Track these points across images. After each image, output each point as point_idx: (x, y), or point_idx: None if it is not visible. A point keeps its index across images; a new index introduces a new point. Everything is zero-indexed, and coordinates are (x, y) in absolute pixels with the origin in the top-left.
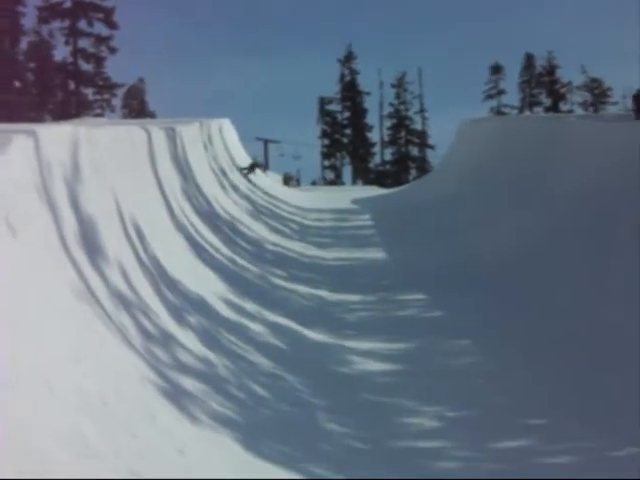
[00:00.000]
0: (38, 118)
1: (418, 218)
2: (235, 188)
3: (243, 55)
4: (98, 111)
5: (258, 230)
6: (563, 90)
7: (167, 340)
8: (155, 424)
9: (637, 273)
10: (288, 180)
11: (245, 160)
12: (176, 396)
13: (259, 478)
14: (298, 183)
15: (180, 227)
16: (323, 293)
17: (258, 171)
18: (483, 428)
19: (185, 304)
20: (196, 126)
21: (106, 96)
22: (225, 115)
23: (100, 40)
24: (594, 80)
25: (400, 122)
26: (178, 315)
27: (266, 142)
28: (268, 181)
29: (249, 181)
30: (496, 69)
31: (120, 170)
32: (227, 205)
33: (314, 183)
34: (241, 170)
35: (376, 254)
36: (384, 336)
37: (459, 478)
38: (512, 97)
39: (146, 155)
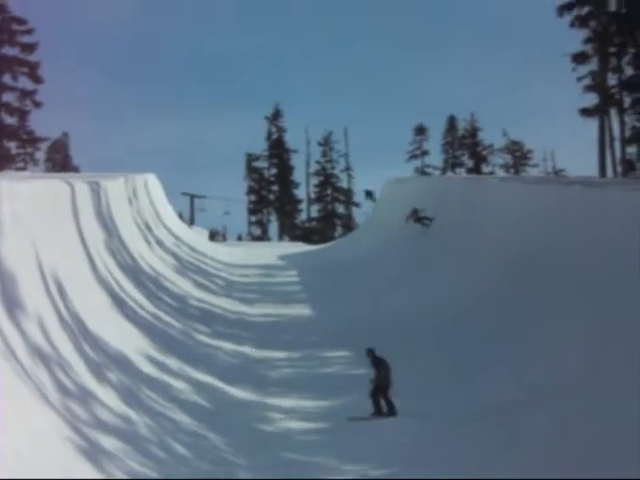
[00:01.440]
0: None
1: (343, 275)
2: (160, 243)
3: (169, 110)
4: (21, 165)
5: (183, 285)
6: (485, 152)
7: (86, 397)
8: None
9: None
10: (214, 235)
11: (170, 215)
12: (94, 454)
13: (259, 478)
14: (224, 238)
15: (103, 282)
16: (247, 350)
17: (183, 226)
18: None
19: (106, 360)
20: (121, 181)
21: (29, 150)
22: (151, 170)
23: (24, 94)
24: (515, 143)
25: (326, 180)
26: (98, 372)
27: (192, 197)
28: (194, 236)
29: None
30: (420, 130)
31: (42, 224)
32: (152, 260)
33: (240, 238)
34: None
35: (302, 310)
36: (308, 394)
37: (459, 478)
38: (435, 158)
39: (69, 209)
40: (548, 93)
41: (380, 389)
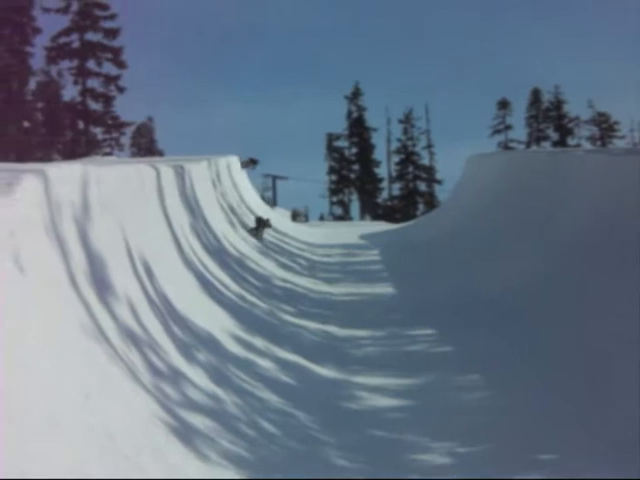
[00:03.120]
0: (47, 157)
1: (426, 253)
2: (243, 225)
3: (250, 93)
4: (107, 150)
5: (267, 266)
6: (570, 125)
7: (176, 377)
8: (163, 461)
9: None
10: (296, 216)
11: (253, 196)
12: (185, 433)
13: (259, 478)
14: (306, 219)
15: (189, 264)
16: (332, 328)
17: (266, 207)
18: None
19: (194, 341)
20: (204, 164)
21: (115, 135)
22: (233, 152)
23: (109, 80)
24: (601, 114)
25: (408, 157)
26: (187, 352)
27: (274, 178)
28: (276, 217)
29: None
30: (503, 104)
31: (129, 208)
32: (236, 241)
33: (322, 218)
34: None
35: (384, 289)
36: (393, 371)
37: (459, 478)
38: (519, 132)
39: (155, 193)
40: (634, 63)
41: None
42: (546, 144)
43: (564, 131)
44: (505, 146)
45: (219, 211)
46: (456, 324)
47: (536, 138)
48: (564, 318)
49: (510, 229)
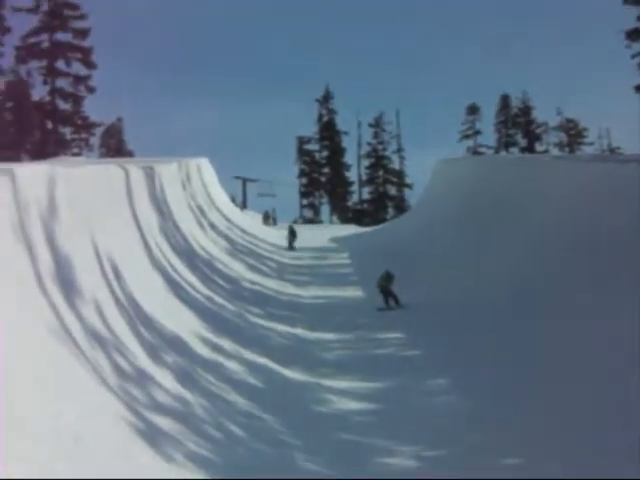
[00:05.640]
0: (15, 157)
1: (395, 257)
2: (213, 226)
3: (221, 95)
4: (76, 150)
5: (236, 268)
6: (539, 130)
7: (143, 379)
8: (131, 463)
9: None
10: (267, 218)
11: (223, 199)
12: (151, 435)
13: (259, 478)
14: (274, 222)
15: (158, 265)
16: (300, 331)
17: (236, 209)
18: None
19: (162, 342)
20: (174, 165)
21: (84, 135)
22: (203, 155)
23: (78, 80)
24: (569, 120)
25: (378, 161)
26: (154, 354)
27: (244, 181)
28: (246, 219)
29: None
30: (472, 110)
31: (97, 208)
32: (205, 243)
33: (295, 222)
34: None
35: (354, 292)
36: (361, 375)
37: (459, 478)
38: (488, 137)
39: (124, 193)
40: (602, 70)
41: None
42: (514, 150)
43: (533, 137)
44: (474, 151)
45: (189, 212)
46: (421, 329)
47: (505, 144)
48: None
49: (477, 232)
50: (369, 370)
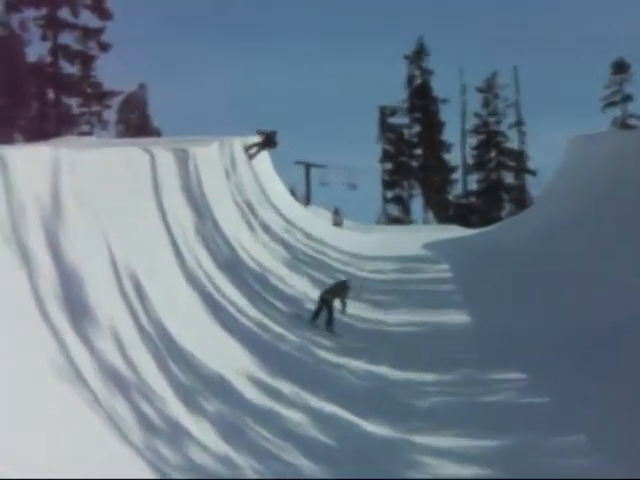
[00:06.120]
0: (6, 137)
1: (514, 270)
2: (266, 228)
3: (275, 58)
4: (85, 128)
5: (298, 285)
6: None
7: (176, 434)
8: None
9: None
10: (338, 217)
11: (280, 191)
12: None
13: (260, 478)
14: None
15: (193, 281)
16: (384, 370)
17: (297, 205)
18: None
19: (200, 385)
20: (215, 147)
21: (96, 108)
22: (252, 133)
23: (88, 34)
24: None
25: (489, 139)
26: (190, 400)
27: (308, 166)
28: (311, 218)
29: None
30: (620, 67)
31: (114, 206)
32: (256, 251)
33: (378, 222)
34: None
35: (455, 317)
36: (465, 430)
37: (459, 478)
38: None
39: (149, 185)
40: None
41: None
42: None
43: None
44: (622, 123)
45: (234, 210)
46: (551, 365)
47: None
48: None
49: (628, 233)
50: (475, 423)
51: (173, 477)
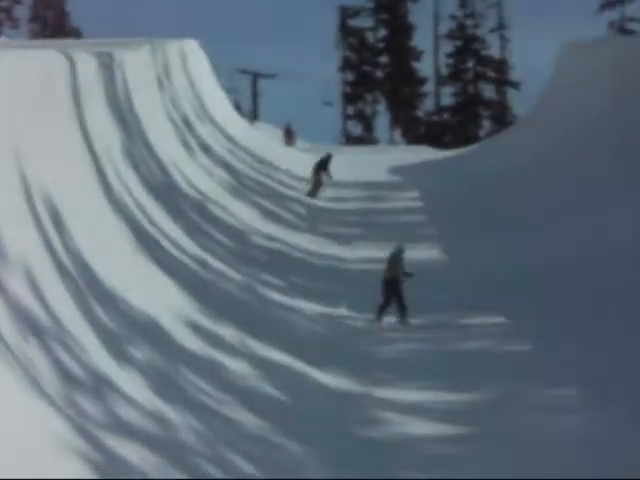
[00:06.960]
0: None
1: (491, 198)
2: (207, 149)
3: None
4: None
5: (243, 215)
6: None
7: (101, 387)
8: None
9: None
10: (291, 136)
11: (221, 104)
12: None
13: (259, 478)
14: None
15: (120, 209)
16: (343, 313)
17: (242, 122)
18: None
19: (129, 333)
20: (145, 51)
21: (5, 3)
22: (190, 35)
23: None
24: None
25: (466, 46)
26: (117, 348)
27: (255, 76)
28: (258, 138)
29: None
30: None
31: (26, 122)
32: (194, 176)
33: (338, 142)
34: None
35: (426, 253)
36: (434, 382)
37: (459, 478)
38: None
39: (68, 97)
40: None
41: None
42: None
43: None
44: (620, 28)
45: (169, 126)
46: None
47: None
48: None
49: (618, 164)
50: (448, 373)
51: (173, 477)
